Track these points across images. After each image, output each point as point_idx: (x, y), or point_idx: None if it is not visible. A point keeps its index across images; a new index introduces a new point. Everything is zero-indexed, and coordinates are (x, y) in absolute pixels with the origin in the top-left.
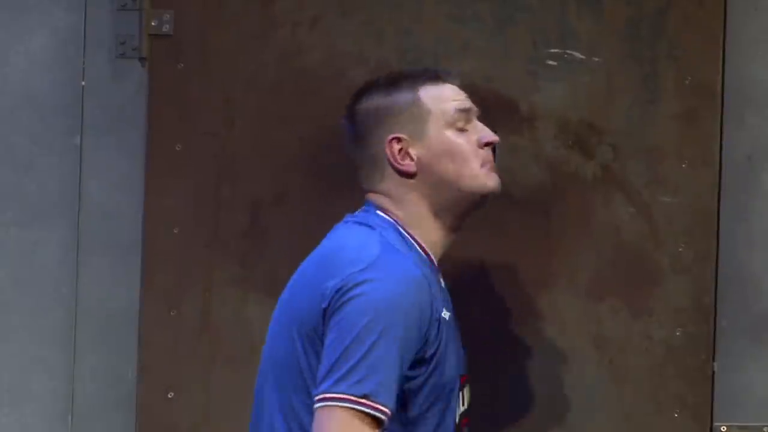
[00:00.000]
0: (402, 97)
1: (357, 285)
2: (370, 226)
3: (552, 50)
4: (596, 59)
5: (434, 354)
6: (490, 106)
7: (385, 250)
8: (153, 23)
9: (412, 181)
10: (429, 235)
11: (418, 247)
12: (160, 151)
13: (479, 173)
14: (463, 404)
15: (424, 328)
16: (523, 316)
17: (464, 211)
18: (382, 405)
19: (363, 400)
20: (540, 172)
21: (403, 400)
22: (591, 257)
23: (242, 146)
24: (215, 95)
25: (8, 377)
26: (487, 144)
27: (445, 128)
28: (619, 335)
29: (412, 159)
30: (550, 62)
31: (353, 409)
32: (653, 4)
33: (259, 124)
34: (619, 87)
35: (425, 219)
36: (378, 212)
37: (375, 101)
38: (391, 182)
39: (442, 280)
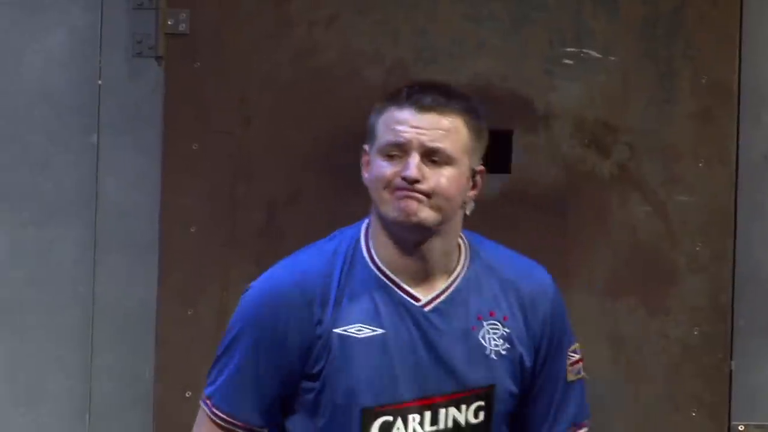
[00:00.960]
0: (374, 113)
1: (246, 290)
2: (334, 236)
3: (568, 49)
4: (612, 58)
5: (320, 371)
6: (506, 105)
7: (291, 262)
8: (169, 22)
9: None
10: (382, 248)
11: (368, 260)
12: (177, 149)
13: (385, 200)
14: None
15: (296, 342)
16: None
17: (397, 233)
18: (217, 409)
19: (207, 401)
20: (556, 171)
21: (310, 408)
22: (607, 256)
23: (258, 145)
24: (231, 94)
25: (25, 376)
26: (404, 178)
27: (378, 153)
28: (636, 334)
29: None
30: (567, 61)
31: (203, 407)
32: (669, 3)
33: (275, 123)
34: (635, 86)
35: (378, 232)
36: (368, 219)
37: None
38: None
39: (406, 299)
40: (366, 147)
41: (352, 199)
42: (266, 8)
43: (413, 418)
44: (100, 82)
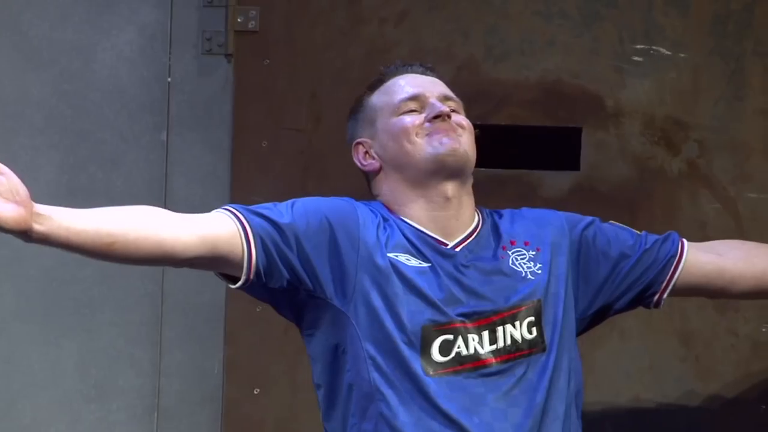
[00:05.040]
0: (365, 98)
1: None
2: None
3: (638, 46)
4: (682, 55)
5: (375, 292)
6: (576, 102)
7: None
8: (239, 19)
9: (381, 175)
10: (415, 211)
11: (395, 217)
12: (246, 147)
13: (418, 143)
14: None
15: (368, 238)
16: None
17: (431, 182)
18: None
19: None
20: (626, 167)
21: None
22: None
23: (328, 142)
24: (301, 91)
25: (95, 373)
26: (435, 117)
27: (393, 115)
28: (705, 331)
29: (373, 157)
30: (636, 58)
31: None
32: (740, 0)
33: (346, 120)
34: (705, 83)
35: (406, 199)
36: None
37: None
38: (372, 185)
39: (437, 244)
40: (360, 139)
41: None
42: (337, 5)
43: (473, 338)
44: (169, 79)
